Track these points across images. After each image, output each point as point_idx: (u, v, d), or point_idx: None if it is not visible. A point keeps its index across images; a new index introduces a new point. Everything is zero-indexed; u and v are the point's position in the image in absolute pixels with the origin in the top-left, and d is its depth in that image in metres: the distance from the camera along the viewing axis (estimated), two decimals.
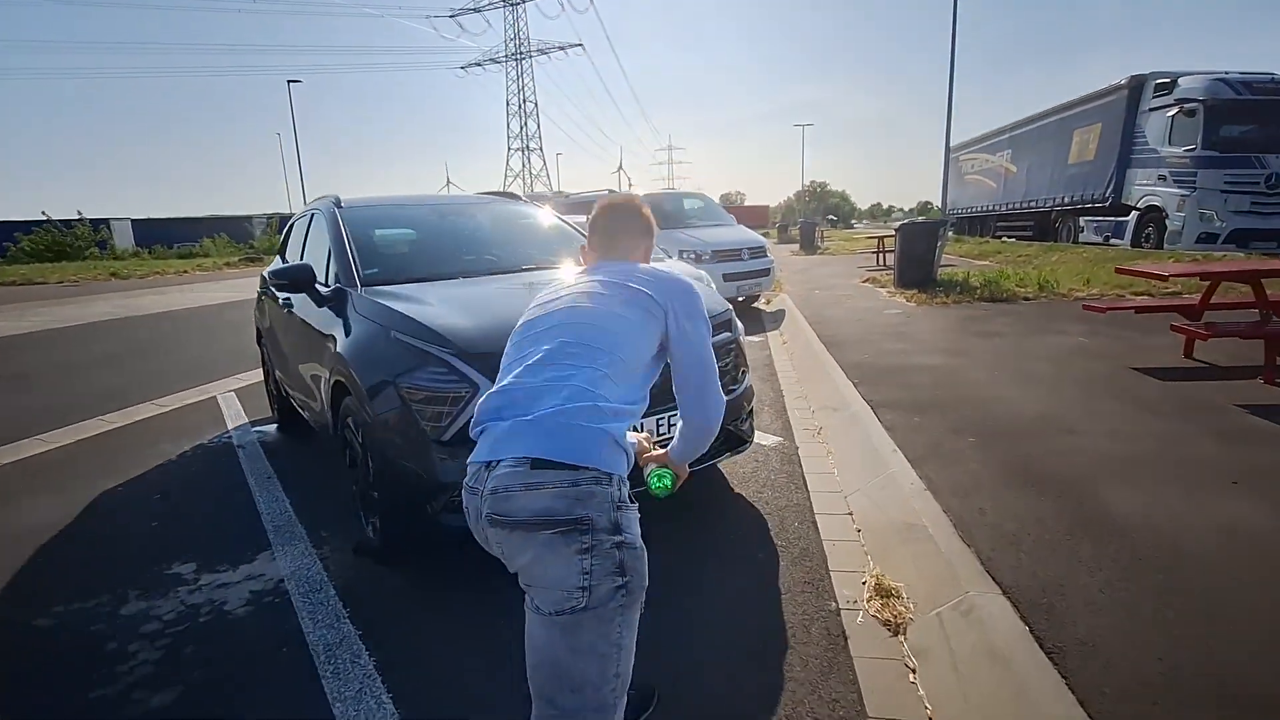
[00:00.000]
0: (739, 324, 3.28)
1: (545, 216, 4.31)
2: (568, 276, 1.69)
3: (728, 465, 3.62)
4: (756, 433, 3.98)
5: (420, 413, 2.38)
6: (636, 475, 1.52)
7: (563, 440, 1.28)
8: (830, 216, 59.51)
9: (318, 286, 3.32)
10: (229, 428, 4.76)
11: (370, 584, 2.62)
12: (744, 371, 3.17)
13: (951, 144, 20.68)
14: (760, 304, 10.25)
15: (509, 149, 76.56)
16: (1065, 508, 2.67)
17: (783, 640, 2.16)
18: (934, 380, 4.84)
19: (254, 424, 4.83)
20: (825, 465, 3.58)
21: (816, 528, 2.87)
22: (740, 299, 9.76)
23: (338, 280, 3.25)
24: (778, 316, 8.96)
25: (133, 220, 38.40)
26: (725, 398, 1.63)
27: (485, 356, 2.41)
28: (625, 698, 1.36)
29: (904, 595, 2.30)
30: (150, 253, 33.19)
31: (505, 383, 1.42)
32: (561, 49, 74.57)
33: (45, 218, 31.98)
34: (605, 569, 1.26)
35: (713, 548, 2.80)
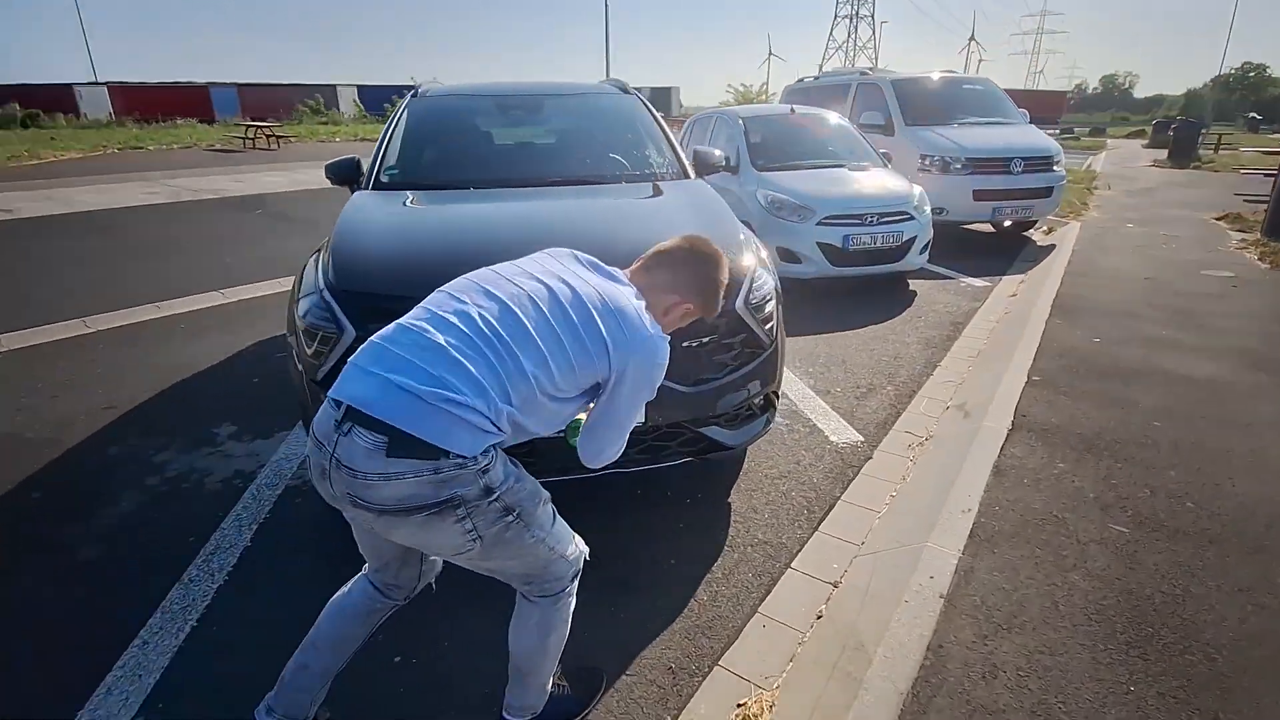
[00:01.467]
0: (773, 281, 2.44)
1: (639, 120, 3.62)
2: (556, 260, 1.43)
3: (761, 455, 2.89)
4: (841, 420, 3.12)
5: (303, 347, 2.21)
6: None
7: (435, 423, 1.16)
8: (1252, 115, 42.05)
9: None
10: None
11: None
12: (747, 357, 2.35)
13: None
14: (1036, 232, 7.94)
15: (835, 16, 69.19)
16: None
17: None
18: (1167, 406, 3.21)
19: None
20: (877, 496, 2.62)
21: (755, 611, 2.02)
22: (1006, 224, 7.67)
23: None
24: (1042, 255, 6.84)
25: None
26: (618, 450, 1.43)
27: (355, 297, 2.11)
28: (571, 554, 1.44)
29: None
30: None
31: (402, 324, 1.28)
32: None
33: None
34: (489, 520, 1.25)
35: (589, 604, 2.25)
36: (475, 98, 3.75)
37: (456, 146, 3.39)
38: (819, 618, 1.96)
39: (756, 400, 2.44)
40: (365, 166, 3.25)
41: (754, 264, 2.40)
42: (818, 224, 5.25)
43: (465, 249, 2.25)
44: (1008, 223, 7.60)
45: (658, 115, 3.64)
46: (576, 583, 1.51)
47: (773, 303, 2.44)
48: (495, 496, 1.24)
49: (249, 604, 2.07)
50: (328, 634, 1.51)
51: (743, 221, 5.56)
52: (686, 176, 3.25)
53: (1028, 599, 1.96)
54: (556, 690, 1.62)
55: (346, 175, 3.25)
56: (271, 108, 33.37)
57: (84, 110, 35.05)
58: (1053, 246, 7.16)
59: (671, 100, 45.25)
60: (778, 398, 2.59)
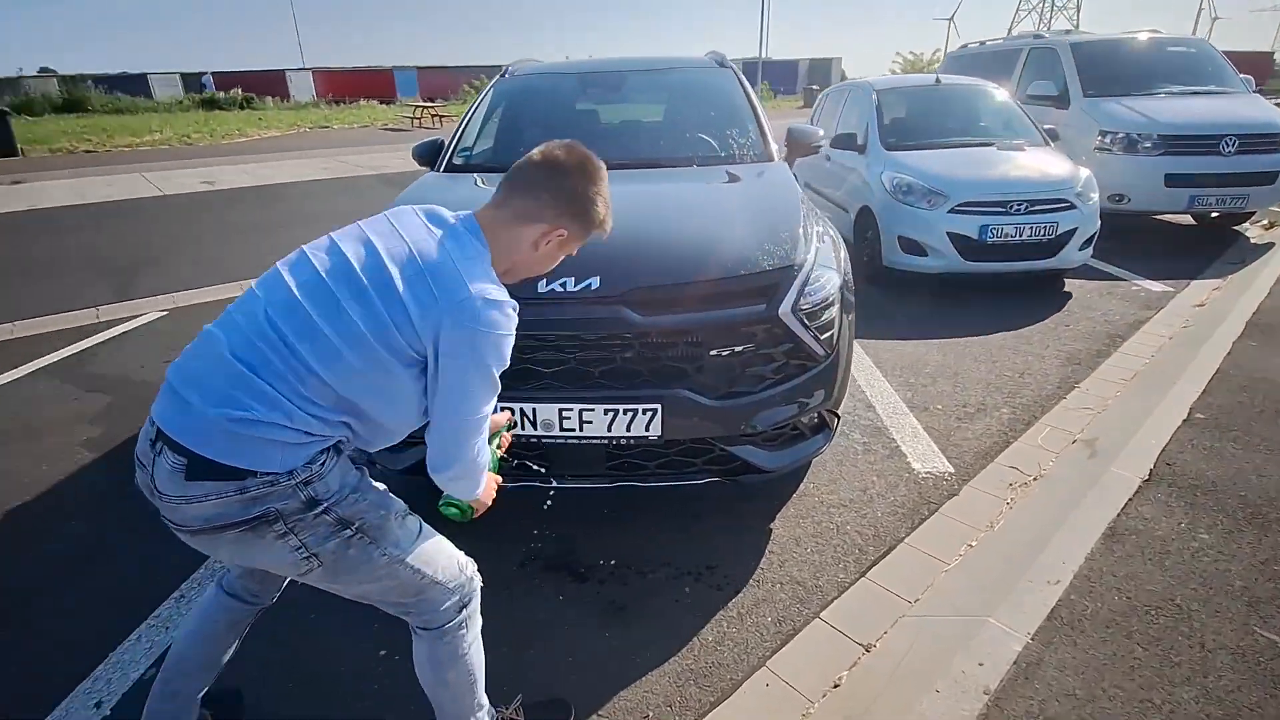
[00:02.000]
0: (844, 292, 2.11)
1: (729, 96, 3.31)
2: (386, 220, 1.21)
3: (823, 476, 2.56)
4: (932, 443, 2.72)
5: None
6: None
7: (231, 445, 1.05)
8: None
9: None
10: None
11: None
12: (794, 371, 2.04)
13: None
14: (1254, 227, 6.52)
15: None
16: None
17: None
18: None
19: None
20: (950, 544, 2.20)
21: (762, 664, 1.76)
22: (1214, 216, 6.36)
23: None
24: (1254, 256, 5.57)
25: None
26: (466, 452, 1.16)
27: None
28: (449, 579, 1.27)
29: None
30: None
31: (206, 329, 1.15)
32: None
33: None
34: (321, 536, 1.12)
35: None
36: (557, 76, 3.65)
37: (529, 127, 3.31)
38: (835, 687, 1.66)
39: (807, 420, 2.14)
40: None
41: (807, 261, 2.07)
42: (950, 211, 4.61)
43: None
44: (1214, 214, 6.28)
45: (751, 91, 3.31)
46: (469, 614, 1.32)
47: (834, 308, 2.11)
48: (323, 508, 1.11)
49: None
50: (196, 656, 1.38)
51: (863, 208, 5.16)
52: (768, 159, 2.93)
53: (1107, 718, 1.53)
54: None
55: (429, 157, 3.28)
56: (444, 88, 36.00)
57: (292, 93, 39.85)
58: (1271, 245, 5.82)
59: (833, 72, 42.78)
60: (837, 418, 2.26)
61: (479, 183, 2.76)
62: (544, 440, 1.94)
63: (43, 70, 44.12)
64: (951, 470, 2.62)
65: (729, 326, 1.92)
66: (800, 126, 3.25)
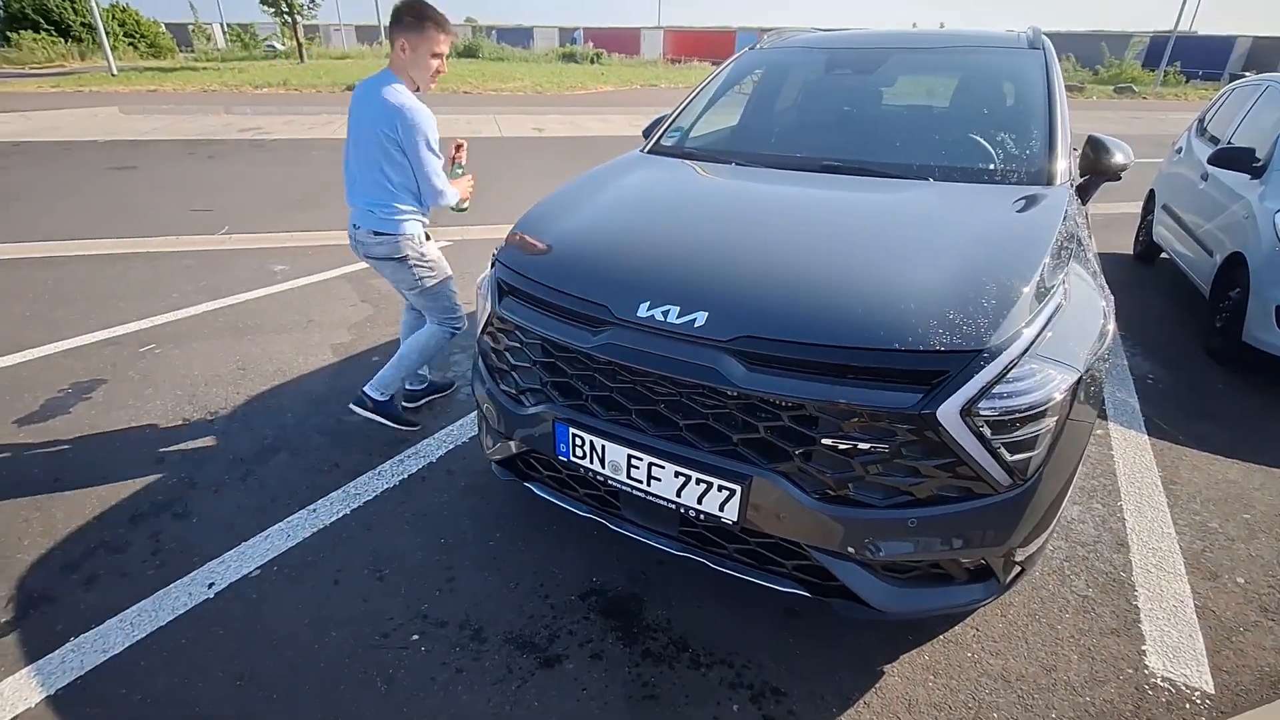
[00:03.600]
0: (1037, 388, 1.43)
1: (1023, 88, 2.49)
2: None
3: (996, 636, 1.89)
4: (1195, 638, 1.89)
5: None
6: None
7: (369, 220, 2.45)
8: None
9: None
10: None
11: None
12: (950, 495, 1.45)
13: None
14: None
15: None
16: None
17: None
18: None
19: None
20: None
21: None
22: None
23: None
24: None
25: None
26: (440, 192, 2.47)
27: (505, 270, 1.98)
28: (448, 306, 2.66)
29: None
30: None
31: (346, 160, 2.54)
32: None
33: None
34: (419, 274, 2.55)
35: None
36: (808, 51, 3.10)
37: (754, 112, 2.90)
38: None
39: (959, 563, 1.54)
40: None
41: (1013, 347, 1.43)
42: None
43: (640, 252, 1.86)
44: None
45: (1058, 85, 2.45)
46: (455, 332, 2.69)
47: (1047, 421, 1.45)
48: (422, 255, 2.51)
49: None
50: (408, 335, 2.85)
51: (1233, 255, 3.67)
52: (1045, 182, 2.14)
53: None
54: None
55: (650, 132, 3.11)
56: None
57: (643, 50, 43.20)
58: None
59: None
60: (1018, 568, 1.60)
61: (683, 171, 2.51)
62: (609, 481, 1.69)
63: (467, 20, 54.50)
64: (1210, 691, 1.72)
65: (857, 412, 1.41)
66: (1105, 138, 2.33)
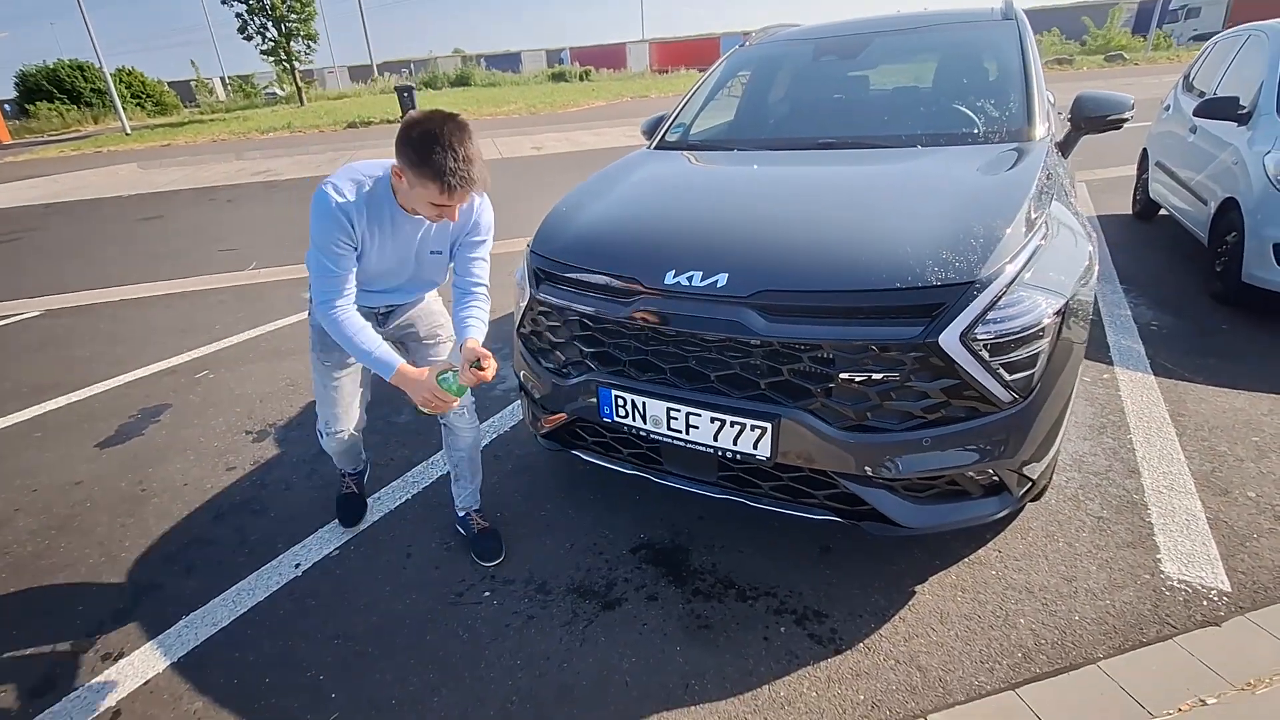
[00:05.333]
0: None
1: (999, 57, 2.66)
2: None
3: (1017, 543, 2.04)
4: (1209, 544, 2.04)
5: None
6: None
7: None
8: None
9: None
10: None
11: None
12: (958, 414, 1.61)
13: None
14: None
15: None
16: None
17: None
18: None
19: None
20: (1160, 686, 1.57)
21: None
22: None
23: None
24: None
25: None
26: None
27: (540, 260, 2.18)
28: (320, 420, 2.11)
29: None
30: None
31: None
32: None
33: None
34: None
35: None
36: (794, 43, 3.31)
37: (749, 104, 3.11)
38: None
39: (975, 477, 1.71)
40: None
41: (1001, 277, 1.60)
42: None
43: (661, 228, 2.07)
44: None
45: (1031, 50, 2.62)
46: (325, 441, 2.13)
47: (1041, 342, 1.62)
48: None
49: None
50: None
51: (1227, 200, 3.80)
52: (1026, 138, 2.31)
53: None
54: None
55: (652, 132, 3.32)
56: None
57: (630, 64, 43.62)
58: None
59: None
60: (1030, 482, 1.76)
61: (691, 160, 2.71)
62: (652, 435, 1.88)
63: (455, 50, 55.60)
64: (1227, 589, 1.86)
65: (868, 348, 1.59)
66: (1093, 94, 2.50)
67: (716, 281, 1.74)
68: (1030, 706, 1.56)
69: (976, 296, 1.57)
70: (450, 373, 1.74)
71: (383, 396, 3.28)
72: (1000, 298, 1.59)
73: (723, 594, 1.96)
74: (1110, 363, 3.19)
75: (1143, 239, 5.14)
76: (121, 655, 1.87)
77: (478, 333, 1.84)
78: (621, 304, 1.86)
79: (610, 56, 42.86)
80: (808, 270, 1.69)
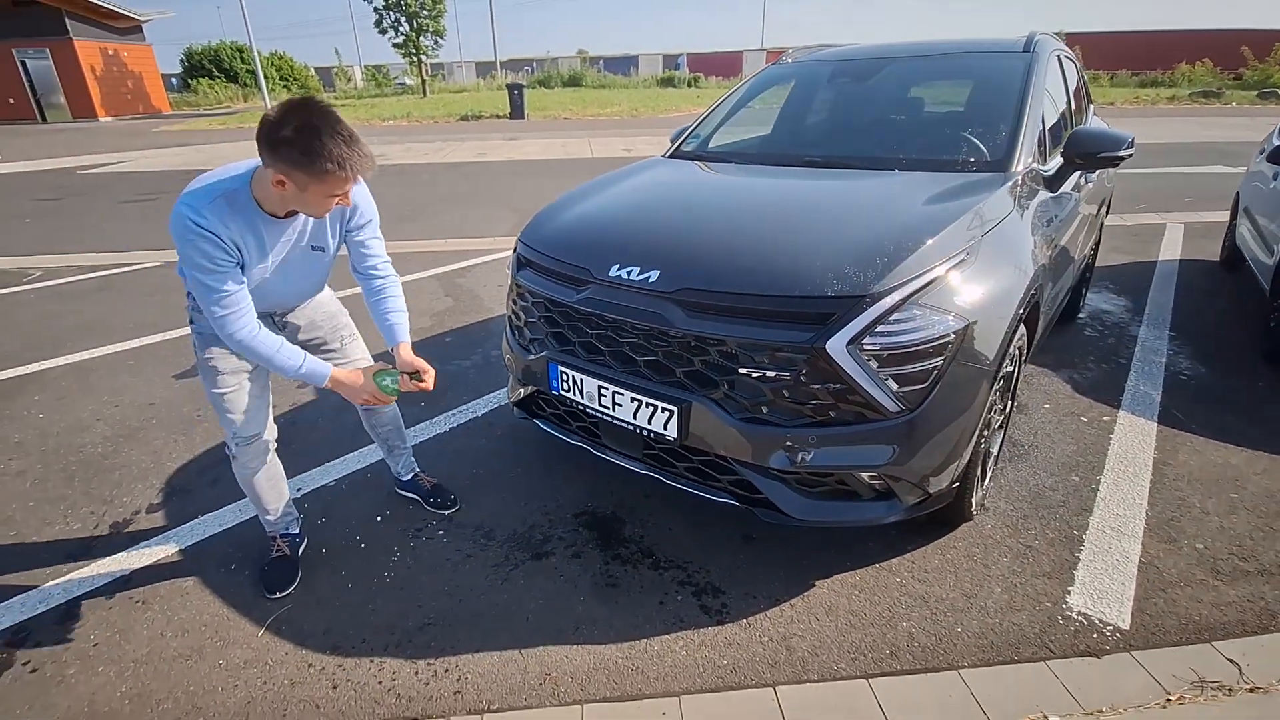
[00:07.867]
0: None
1: (1005, 89, 2.69)
2: None
3: (929, 569, 2.12)
4: (1125, 583, 2.08)
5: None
6: None
7: None
8: None
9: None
10: None
11: None
12: (844, 417, 1.74)
13: None
14: None
15: None
16: None
17: None
18: None
19: None
20: (1015, 703, 1.63)
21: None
22: None
23: None
24: None
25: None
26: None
27: (525, 248, 2.45)
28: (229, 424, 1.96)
29: None
30: None
31: None
32: None
33: None
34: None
35: None
36: (817, 64, 3.43)
37: (763, 119, 3.26)
38: None
39: (865, 480, 1.84)
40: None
41: (896, 293, 1.72)
42: None
43: (619, 227, 2.30)
44: None
45: (1036, 86, 2.63)
46: (238, 454, 1.99)
47: (936, 360, 1.73)
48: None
49: None
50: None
51: (1253, 226, 3.55)
52: (999, 170, 2.36)
53: None
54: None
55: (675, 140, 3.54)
56: None
57: (745, 72, 43.59)
58: None
59: None
60: (922, 492, 1.86)
61: (680, 170, 2.92)
62: (588, 411, 2.11)
63: (579, 52, 57.48)
64: (1125, 627, 1.87)
65: (763, 347, 1.76)
66: (1089, 129, 2.49)
67: (649, 277, 1.95)
68: (876, 695, 1.67)
69: (866, 309, 1.71)
70: (387, 375, 1.83)
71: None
72: (891, 312, 1.71)
73: (639, 561, 2.16)
74: (1117, 406, 3.11)
75: (1216, 288, 4.82)
76: (146, 539, 2.31)
77: (404, 331, 1.92)
78: (575, 290, 2.11)
79: (726, 63, 43.03)
80: (723, 273, 1.87)
